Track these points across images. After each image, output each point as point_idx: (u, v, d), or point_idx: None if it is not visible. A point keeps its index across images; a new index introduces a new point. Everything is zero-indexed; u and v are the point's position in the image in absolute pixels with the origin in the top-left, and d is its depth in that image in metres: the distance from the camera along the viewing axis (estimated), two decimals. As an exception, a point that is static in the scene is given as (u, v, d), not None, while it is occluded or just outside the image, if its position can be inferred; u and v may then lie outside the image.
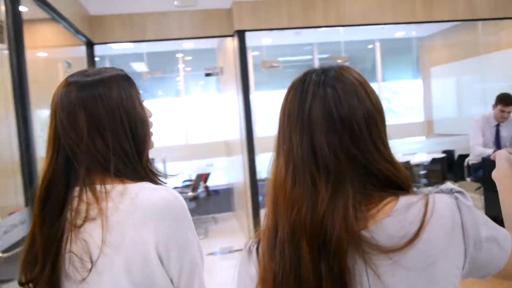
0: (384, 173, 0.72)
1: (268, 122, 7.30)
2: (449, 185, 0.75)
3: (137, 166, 0.94)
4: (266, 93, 7.74)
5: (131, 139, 0.93)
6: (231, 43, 5.25)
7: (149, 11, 4.86)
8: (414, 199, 0.70)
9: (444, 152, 6.31)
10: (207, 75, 5.92)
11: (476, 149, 4.18)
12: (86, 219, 0.87)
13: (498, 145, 4.29)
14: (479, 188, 4.51)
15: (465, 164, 4.84)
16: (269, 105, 7.22)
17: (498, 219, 0.83)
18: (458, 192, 0.72)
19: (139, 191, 0.89)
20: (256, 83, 7.22)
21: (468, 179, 4.76)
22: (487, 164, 3.90)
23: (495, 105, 4.24)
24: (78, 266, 0.86)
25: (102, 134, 0.90)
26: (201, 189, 6.19)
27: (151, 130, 1.00)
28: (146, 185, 0.91)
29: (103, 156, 0.90)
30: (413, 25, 6.78)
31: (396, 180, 0.73)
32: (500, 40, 6.04)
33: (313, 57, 7.75)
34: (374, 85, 7.18)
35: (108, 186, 0.90)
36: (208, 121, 7.89)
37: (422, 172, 6.25)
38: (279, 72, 7.42)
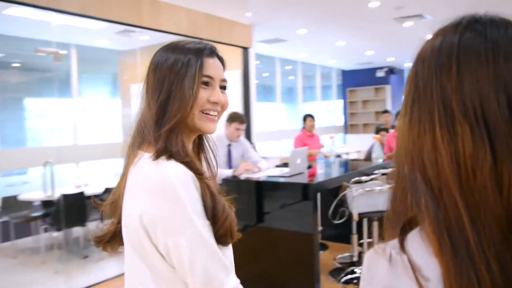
0: None
1: None
2: None
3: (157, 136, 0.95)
4: None
5: (160, 108, 0.96)
6: None
7: None
8: None
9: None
10: None
11: (215, 171, 3.91)
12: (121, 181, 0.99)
13: (229, 165, 4.19)
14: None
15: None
16: None
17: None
18: None
19: (144, 164, 0.92)
20: None
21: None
22: (229, 185, 3.68)
23: (229, 124, 4.12)
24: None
25: (150, 98, 0.98)
26: None
27: (190, 109, 0.97)
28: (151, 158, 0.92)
29: (144, 119, 0.98)
30: (117, 36, 6.17)
31: None
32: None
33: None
34: (67, 101, 5.98)
35: (140, 152, 0.96)
36: None
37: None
38: None
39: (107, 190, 4.88)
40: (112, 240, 1.05)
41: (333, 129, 12.19)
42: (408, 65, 12.76)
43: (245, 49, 5.67)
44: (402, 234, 0.57)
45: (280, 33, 7.82)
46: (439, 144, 0.52)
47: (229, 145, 4.23)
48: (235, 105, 5.55)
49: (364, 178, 3.62)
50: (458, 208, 0.50)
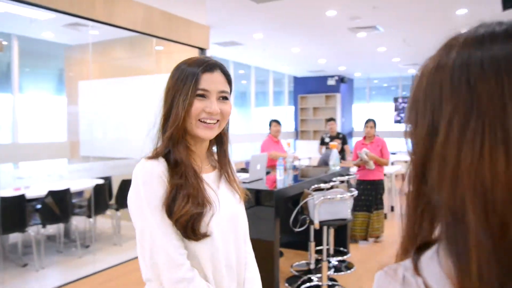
0: None
1: None
2: None
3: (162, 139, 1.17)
4: None
5: (164, 118, 1.17)
6: None
7: None
8: None
9: (101, 178, 5.56)
10: None
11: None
12: None
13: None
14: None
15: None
16: None
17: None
18: None
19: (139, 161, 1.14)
20: None
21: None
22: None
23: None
24: None
25: (162, 106, 1.19)
26: None
27: (183, 120, 1.13)
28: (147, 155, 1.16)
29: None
30: (64, 29, 5.81)
31: None
32: (150, 65, 6.00)
33: None
34: (6, 96, 5.53)
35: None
36: None
37: (76, 200, 5.27)
38: None
39: (50, 193, 4.54)
40: None
41: (284, 135, 12.26)
42: (358, 74, 13.12)
43: (202, 50, 5.52)
44: (416, 254, 0.50)
45: (236, 36, 7.73)
46: None
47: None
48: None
49: (323, 185, 3.60)
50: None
